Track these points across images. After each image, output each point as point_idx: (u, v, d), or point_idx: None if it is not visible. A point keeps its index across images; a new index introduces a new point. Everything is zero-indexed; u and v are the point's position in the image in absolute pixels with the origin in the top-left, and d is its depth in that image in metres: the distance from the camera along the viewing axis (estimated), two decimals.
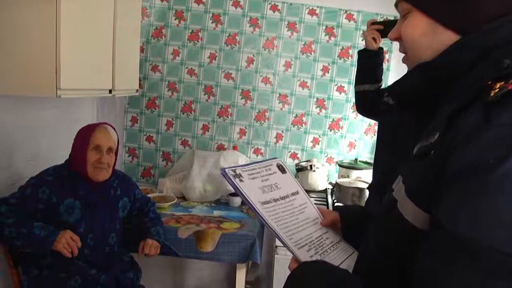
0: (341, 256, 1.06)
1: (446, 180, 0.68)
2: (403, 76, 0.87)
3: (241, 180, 1.02)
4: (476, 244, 0.62)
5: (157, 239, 2.14)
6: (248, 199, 0.99)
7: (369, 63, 2.10)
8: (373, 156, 3.08)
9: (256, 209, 0.99)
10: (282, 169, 1.18)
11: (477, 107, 0.67)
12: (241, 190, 0.99)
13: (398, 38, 0.87)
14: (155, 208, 2.35)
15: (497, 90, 0.66)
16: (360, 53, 2.15)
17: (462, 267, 0.63)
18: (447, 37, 0.79)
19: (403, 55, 0.89)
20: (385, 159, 2.01)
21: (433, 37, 0.80)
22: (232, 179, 0.99)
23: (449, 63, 0.78)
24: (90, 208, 1.98)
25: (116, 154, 2.07)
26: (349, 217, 1.18)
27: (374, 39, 2.03)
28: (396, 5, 0.87)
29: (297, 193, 1.15)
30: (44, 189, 1.89)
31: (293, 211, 1.08)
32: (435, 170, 0.71)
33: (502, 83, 0.66)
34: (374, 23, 2.07)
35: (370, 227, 0.95)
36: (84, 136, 1.99)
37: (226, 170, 1.00)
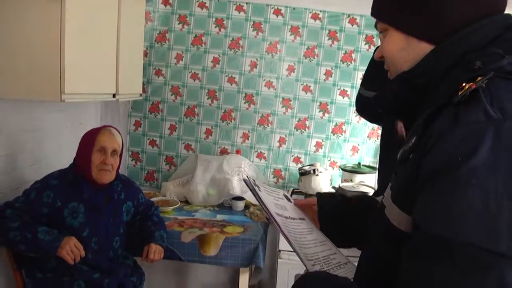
0: (347, 275, 1.06)
1: (421, 181, 0.71)
2: (385, 86, 0.90)
3: (259, 190, 1.10)
4: (451, 241, 0.64)
5: (160, 243, 2.14)
6: (266, 205, 1.06)
7: (381, 71, 2.01)
8: (376, 160, 3.10)
9: (273, 215, 1.05)
10: (288, 198, 1.25)
11: (448, 109, 0.70)
12: (260, 197, 1.07)
13: (382, 57, 0.92)
14: (158, 212, 2.34)
15: (464, 90, 0.69)
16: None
17: (441, 266, 0.64)
18: (422, 48, 0.83)
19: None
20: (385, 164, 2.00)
21: (409, 50, 0.84)
22: (253, 185, 1.08)
23: (426, 71, 0.81)
24: (94, 212, 1.98)
25: (120, 157, 2.08)
26: (326, 199, 1.22)
27: None
28: (375, 25, 0.92)
29: (303, 219, 1.20)
30: (49, 193, 1.90)
31: (302, 231, 1.13)
32: (414, 172, 0.73)
33: (471, 83, 0.69)
34: None
35: (366, 233, 0.96)
36: (89, 138, 2.00)
37: (248, 177, 1.10)
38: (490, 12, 0.79)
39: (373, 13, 0.92)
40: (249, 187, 1.08)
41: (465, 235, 0.63)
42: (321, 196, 1.23)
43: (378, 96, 0.92)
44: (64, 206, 1.91)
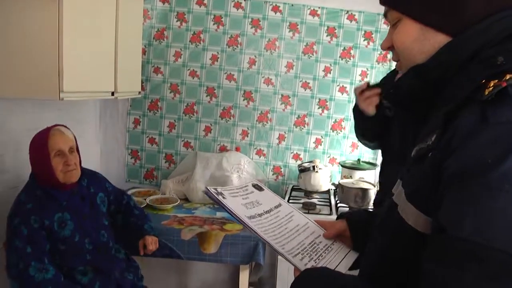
0: (338, 257, 1.07)
1: (446, 182, 0.68)
2: (398, 79, 0.88)
3: (224, 197, 1.05)
4: (482, 247, 0.61)
5: (153, 234, 2.19)
6: (235, 213, 1.02)
7: (367, 125, 1.97)
8: (375, 157, 3.10)
9: (245, 222, 1.02)
10: (258, 187, 1.21)
11: (473, 106, 0.67)
12: (226, 205, 1.03)
13: (390, 47, 0.88)
14: (133, 201, 2.34)
15: (491, 88, 0.66)
16: (356, 114, 1.98)
17: (470, 272, 0.61)
18: (439, 40, 0.79)
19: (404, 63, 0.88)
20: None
21: (424, 41, 0.81)
22: (216, 196, 1.04)
23: (442, 64, 0.78)
24: (78, 214, 1.96)
25: (77, 151, 2.01)
26: (357, 224, 1.15)
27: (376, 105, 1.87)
28: (385, 15, 0.88)
29: (280, 205, 1.17)
30: (34, 218, 1.83)
31: (281, 222, 1.10)
32: (434, 172, 0.70)
33: (496, 81, 0.66)
34: (365, 89, 1.87)
35: (373, 232, 0.94)
36: (41, 146, 1.89)
37: (209, 188, 1.04)
38: (511, 5, 0.76)
39: (385, 2, 0.87)
40: (212, 199, 1.04)
41: (497, 241, 0.60)
42: (348, 218, 1.16)
43: (391, 91, 0.89)
44: (52, 220, 1.87)
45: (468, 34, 0.76)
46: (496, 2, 0.76)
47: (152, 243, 2.14)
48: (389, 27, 0.89)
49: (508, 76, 0.66)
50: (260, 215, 1.08)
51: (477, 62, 0.74)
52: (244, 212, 1.05)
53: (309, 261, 1.00)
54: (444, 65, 0.78)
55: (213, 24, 3.09)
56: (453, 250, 0.64)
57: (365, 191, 2.59)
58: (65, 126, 2.02)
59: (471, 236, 0.62)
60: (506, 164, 0.62)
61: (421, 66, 0.81)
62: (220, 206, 1.04)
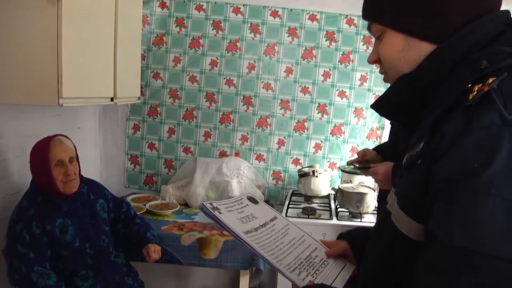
0: (335, 271, 1.06)
1: (435, 189, 0.67)
2: (387, 89, 0.88)
3: (220, 213, 1.04)
4: (475, 254, 0.61)
5: (156, 242, 2.19)
6: (232, 229, 1.01)
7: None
8: None
9: (242, 238, 1.00)
10: (253, 200, 1.20)
11: (458, 111, 0.67)
12: (223, 221, 1.01)
13: (376, 61, 0.89)
14: (134, 209, 2.36)
15: (475, 93, 0.66)
16: None
17: (465, 280, 0.61)
18: (424, 48, 0.80)
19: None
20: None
21: (410, 51, 0.81)
22: (212, 211, 1.02)
23: (429, 72, 0.78)
24: (79, 220, 1.98)
25: (77, 160, 2.03)
26: (358, 241, 1.14)
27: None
28: (368, 28, 0.88)
29: (275, 218, 1.17)
30: (36, 224, 1.84)
31: (277, 236, 1.09)
32: (423, 179, 0.70)
33: (480, 85, 0.66)
34: (360, 167, 2.03)
35: (370, 240, 0.94)
36: (42, 155, 1.91)
37: (204, 204, 1.03)
38: (489, 9, 0.77)
39: (367, 16, 0.88)
40: (208, 215, 1.03)
41: (489, 246, 0.60)
42: (351, 239, 1.15)
43: (379, 100, 0.89)
44: (54, 226, 1.89)
45: (452, 40, 0.76)
46: (477, 6, 0.76)
47: (155, 251, 2.14)
48: (374, 41, 0.89)
49: (490, 80, 0.66)
50: (256, 229, 1.07)
51: (463, 67, 0.74)
52: (241, 227, 1.05)
53: (306, 276, 0.99)
54: (432, 72, 0.78)
55: (212, 29, 3.09)
56: (445, 258, 0.64)
57: (364, 196, 2.58)
58: (66, 136, 2.03)
59: (463, 243, 0.62)
60: (492, 168, 0.61)
61: (408, 75, 0.81)
62: (216, 222, 1.03)
